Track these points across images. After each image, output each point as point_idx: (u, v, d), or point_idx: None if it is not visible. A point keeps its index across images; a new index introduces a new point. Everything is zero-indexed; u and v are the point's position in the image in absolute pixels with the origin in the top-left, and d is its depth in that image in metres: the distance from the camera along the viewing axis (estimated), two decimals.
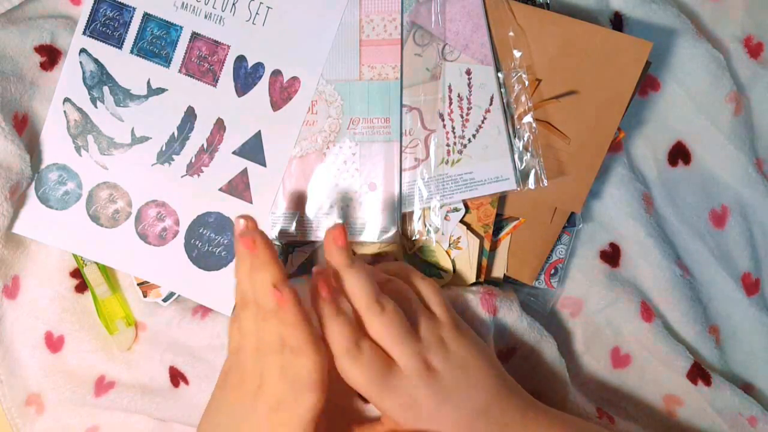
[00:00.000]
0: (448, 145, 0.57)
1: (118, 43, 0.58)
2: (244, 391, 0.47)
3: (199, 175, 0.58)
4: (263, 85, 0.58)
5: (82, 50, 0.58)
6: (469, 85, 0.57)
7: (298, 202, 0.58)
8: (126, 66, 0.58)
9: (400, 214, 0.57)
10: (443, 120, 0.57)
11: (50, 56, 0.58)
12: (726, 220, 0.64)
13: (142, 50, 0.58)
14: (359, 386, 0.46)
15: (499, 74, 0.57)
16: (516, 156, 0.57)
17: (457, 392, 0.47)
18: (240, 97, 0.58)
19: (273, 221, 0.58)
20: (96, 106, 0.58)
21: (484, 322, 0.55)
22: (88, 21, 0.58)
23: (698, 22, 0.64)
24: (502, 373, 0.51)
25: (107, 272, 0.60)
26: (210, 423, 0.49)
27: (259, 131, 0.58)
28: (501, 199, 0.59)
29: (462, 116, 0.57)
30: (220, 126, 0.58)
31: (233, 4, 0.58)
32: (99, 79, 0.58)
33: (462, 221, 0.58)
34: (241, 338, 0.48)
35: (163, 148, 0.58)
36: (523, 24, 0.57)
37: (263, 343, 0.46)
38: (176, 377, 0.59)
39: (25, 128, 0.57)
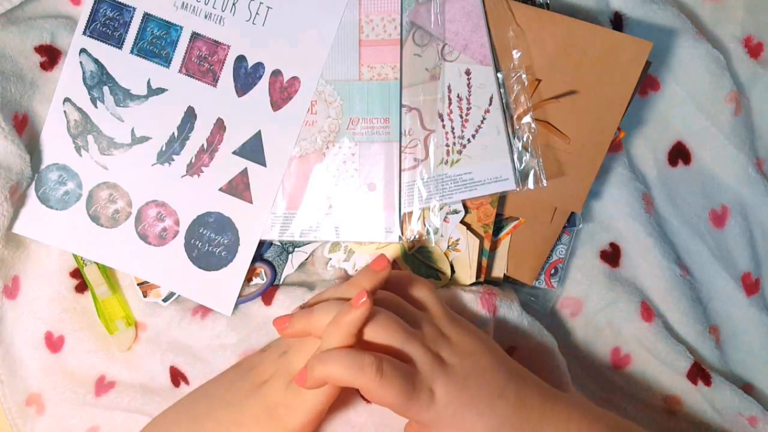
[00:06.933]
0: (447, 145, 0.57)
1: (118, 43, 0.58)
2: (249, 380, 0.51)
3: (199, 175, 0.58)
4: (263, 85, 0.58)
5: (82, 50, 0.58)
6: (468, 85, 0.57)
7: (298, 202, 0.58)
8: (126, 66, 0.58)
9: (399, 214, 0.57)
10: (442, 120, 0.57)
11: (50, 56, 0.58)
12: (726, 220, 0.64)
13: (142, 50, 0.58)
14: (391, 403, 0.45)
15: (499, 74, 0.57)
16: (515, 156, 0.57)
17: (471, 379, 0.47)
18: (240, 97, 0.58)
19: (273, 221, 0.58)
20: (96, 106, 0.58)
21: (484, 322, 0.55)
22: (88, 21, 0.58)
23: (698, 22, 0.64)
24: (507, 356, 0.51)
25: (107, 272, 0.60)
26: (203, 389, 0.54)
27: (259, 131, 0.58)
28: (501, 199, 0.59)
29: (461, 116, 0.57)
30: (220, 126, 0.58)
31: (233, 4, 0.58)
32: (99, 79, 0.58)
33: (462, 221, 0.58)
34: (277, 345, 0.52)
35: (163, 148, 0.58)
36: (523, 24, 0.56)
37: (288, 364, 0.50)
38: (177, 377, 0.59)
39: (25, 128, 0.57)
